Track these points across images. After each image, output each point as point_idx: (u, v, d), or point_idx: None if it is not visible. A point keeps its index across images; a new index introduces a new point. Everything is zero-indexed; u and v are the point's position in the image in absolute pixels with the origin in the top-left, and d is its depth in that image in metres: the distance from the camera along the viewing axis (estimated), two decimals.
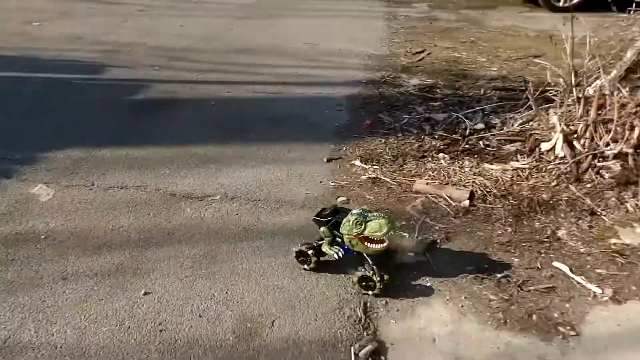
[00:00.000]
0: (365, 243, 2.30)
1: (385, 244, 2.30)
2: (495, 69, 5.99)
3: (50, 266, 2.48)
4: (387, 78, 5.53)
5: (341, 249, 2.41)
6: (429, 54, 6.63)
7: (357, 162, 3.57)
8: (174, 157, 3.60)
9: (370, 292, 2.32)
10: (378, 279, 2.27)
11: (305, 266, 2.47)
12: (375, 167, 3.49)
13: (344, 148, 3.81)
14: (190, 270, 2.48)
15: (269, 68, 5.73)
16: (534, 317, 2.22)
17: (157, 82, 5.16)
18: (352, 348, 2.06)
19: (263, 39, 6.85)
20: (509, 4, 9.72)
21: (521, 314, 2.24)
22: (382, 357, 2.03)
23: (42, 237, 2.70)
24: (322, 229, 2.45)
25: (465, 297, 2.33)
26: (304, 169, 3.50)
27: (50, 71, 5.39)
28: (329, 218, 2.46)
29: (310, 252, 2.43)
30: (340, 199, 3.13)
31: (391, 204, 3.07)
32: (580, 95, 3.25)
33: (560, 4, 8.49)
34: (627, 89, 3.19)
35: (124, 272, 2.44)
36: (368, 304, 2.31)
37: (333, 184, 3.31)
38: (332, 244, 2.44)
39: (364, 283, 2.32)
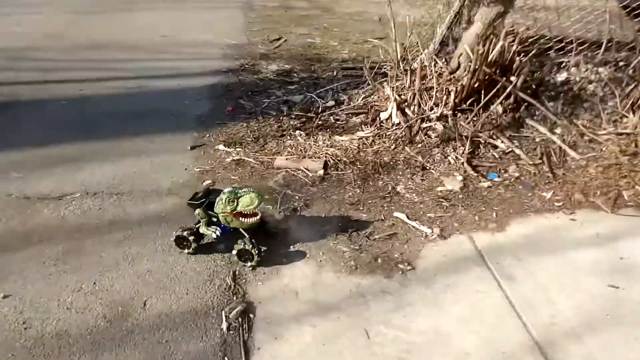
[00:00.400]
0: (240, 218, 2.47)
1: (258, 217, 2.50)
2: (346, 51, 6.45)
3: None
4: (247, 66, 5.69)
5: (218, 228, 2.55)
6: (285, 40, 6.91)
7: (221, 147, 3.71)
8: (24, 160, 3.42)
9: (249, 264, 2.49)
10: (256, 251, 2.45)
11: (186, 250, 2.56)
12: (238, 149, 3.67)
13: (207, 135, 3.92)
14: (53, 268, 2.45)
15: (124, 63, 5.57)
16: (379, 260, 2.59)
17: None
18: (222, 312, 2.23)
19: (114, 34, 6.59)
20: None
21: (369, 259, 2.60)
22: (251, 315, 2.24)
23: None
24: (197, 211, 2.57)
25: (322, 253, 2.63)
26: (168, 158, 3.55)
27: None
28: (203, 200, 2.59)
29: (190, 237, 2.51)
30: (206, 182, 3.26)
31: (255, 182, 3.28)
32: (407, 68, 3.74)
33: None
34: (443, 60, 3.74)
35: None
36: (237, 272, 2.50)
37: (198, 169, 3.42)
38: (209, 224, 2.57)
39: (242, 257, 2.48)
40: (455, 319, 2.22)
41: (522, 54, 3.85)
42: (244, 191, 2.48)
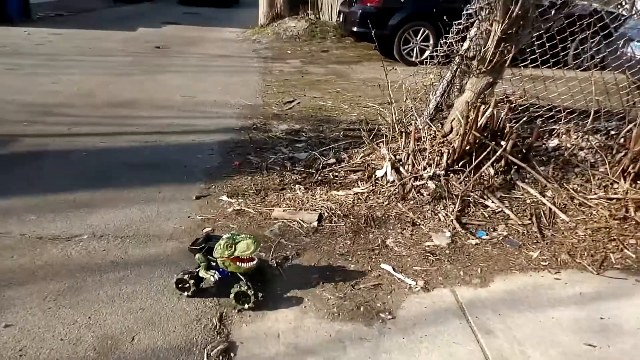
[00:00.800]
0: (237, 263, 2.59)
1: (255, 262, 2.62)
2: (355, 114, 6.80)
3: None
4: (258, 124, 6.05)
5: (217, 272, 2.68)
6: (298, 103, 7.33)
7: (224, 198, 3.93)
8: (41, 204, 3.69)
9: (246, 306, 2.60)
10: (252, 292, 2.56)
11: (185, 293, 2.69)
12: (240, 200, 3.88)
13: (213, 186, 4.16)
14: (53, 302, 2.62)
15: (145, 119, 5.99)
16: (361, 308, 2.69)
17: (25, 136, 5.16)
18: (205, 350, 2.35)
19: (140, 94, 7.10)
20: (372, 60, 11.03)
21: (351, 307, 2.70)
22: (232, 354, 2.35)
23: None
24: (197, 255, 2.70)
25: (308, 299, 2.75)
26: (174, 206, 3.78)
27: None
28: (203, 245, 2.72)
29: (190, 280, 2.66)
30: (207, 229, 3.45)
31: (252, 230, 3.46)
32: (402, 131, 3.98)
33: (413, 59, 9.93)
34: (438, 124, 3.98)
35: None
36: (224, 313, 2.62)
37: (200, 217, 3.63)
38: (208, 268, 2.71)
39: (239, 299, 2.60)
40: None
41: (513, 121, 4.06)
42: (242, 237, 2.61)
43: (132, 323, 2.51)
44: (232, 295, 2.60)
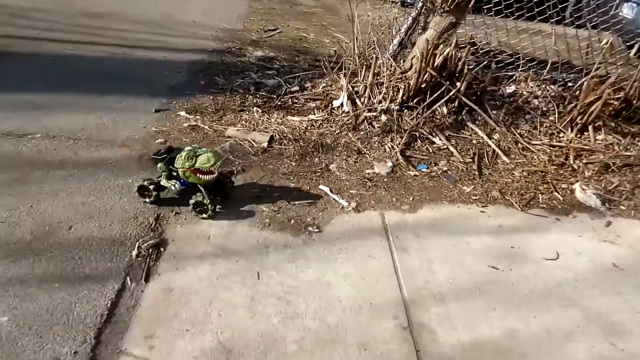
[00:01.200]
0: (198, 174, 2.67)
1: (214, 175, 2.70)
2: (335, 49, 6.73)
3: None
4: (233, 49, 6.00)
5: (178, 182, 2.79)
6: (280, 32, 7.22)
7: (182, 113, 4.01)
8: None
9: (204, 215, 2.73)
10: (208, 202, 2.68)
11: (147, 199, 2.80)
12: (197, 117, 3.97)
13: (174, 102, 4.23)
14: None
15: (118, 32, 5.90)
16: (292, 221, 2.87)
17: None
18: (137, 243, 2.53)
19: (119, 7, 6.93)
20: None
21: (283, 219, 2.88)
22: (162, 249, 2.53)
23: None
24: (159, 165, 2.78)
25: (243, 210, 2.92)
26: (131, 116, 3.86)
27: None
28: (165, 155, 2.79)
29: (151, 186, 2.76)
30: (159, 140, 3.56)
31: (204, 145, 3.56)
32: (364, 64, 4.03)
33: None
34: (401, 61, 4.03)
35: None
36: (161, 215, 2.79)
37: (155, 129, 3.72)
38: (169, 178, 2.80)
39: (198, 208, 2.72)
40: (340, 274, 2.49)
41: (474, 64, 4.12)
42: (203, 150, 2.68)
43: (71, 214, 2.66)
44: (191, 202, 2.72)
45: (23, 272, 2.23)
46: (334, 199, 3.11)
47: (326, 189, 3.19)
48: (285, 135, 3.73)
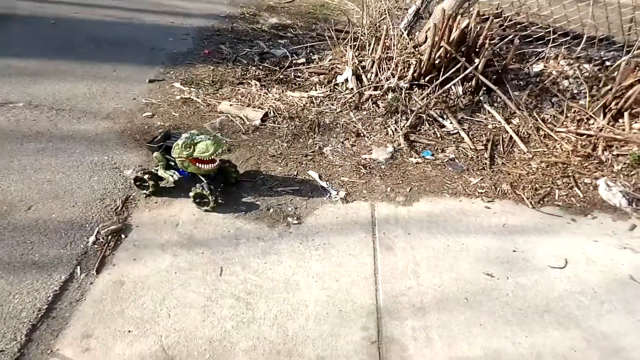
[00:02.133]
0: (197, 164, 2.44)
1: (216, 164, 2.46)
2: (359, 16, 6.31)
3: None
4: (247, 15, 5.69)
5: (176, 172, 2.56)
6: None
7: (177, 84, 3.79)
8: None
9: (205, 207, 2.52)
10: (208, 193, 2.45)
11: (145, 191, 2.59)
12: (192, 89, 3.74)
13: (171, 72, 4.01)
14: None
15: None
16: (271, 210, 2.64)
17: None
18: (97, 228, 2.36)
19: None
20: None
21: (262, 208, 2.65)
22: (123, 235, 2.36)
23: None
24: (155, 154, 2.54)
25: (219, 194, 2.69)
26: (123, 87, 3.67)
27: None
28: (161, 144, 2.55)
29: (146, 177, 2.54)
30: (146, 114, 3.36)
31: (193, 121, 3.36)
32: (374, 35, 3.67)
33: None
34: (417, 32, 3.64)
35: None
36: (130, 197, 2.60)
37: (145, 101, 3.52)
38: (167, 168, 2.57)
39: (198, 200, 2.50)
40: (312, 274, 2.26)
41: (499, 39, 3.69)
42: (201, 137, 2.43)
43: (34, 193, 2.51)
44: (191, 194, 2.50)
45: None
46: (321, 187, 2.85)
47: (315, 175, 2.93)
48: (280, 112, 3.46)
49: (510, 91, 3.66)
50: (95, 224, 2.39)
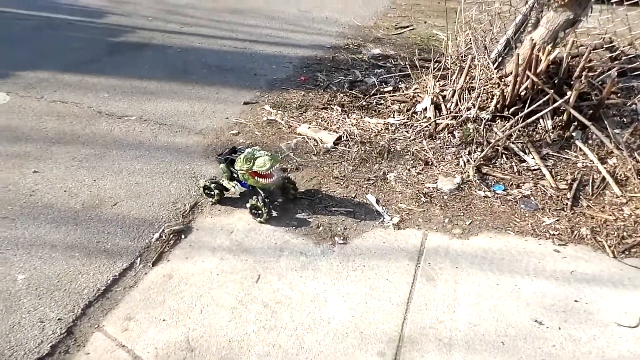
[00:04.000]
0: (255, 177, 2.65)
1: (273, 179, 2.65)
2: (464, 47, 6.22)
3: None
4: (352, 45, 5.94)
5: (238, 184, 2.83)
6: (412, 29, 6.93)
7: (267, 107, 4.11)
8: (118, 86, 4.29)
9: (259, 219, 2.72)
10: (262, 205, 2.64)
11: (211, 199, 2.87)
12: (279, 111, 4.02)
13: (266, 96, 4.35)
14: (78, 163, 3.16)
15: (249, 28, 6.30)
16: (321, 228, 2.73)
17: (142, 29, 5.87)
18: (163, 226, 2.66)
19: (263, 3, 7.40)
20: None
21: (313, 225, 2.75)
22: (183, 236, 2.62)
23: None
24: (221, 165, 2.82)
25: (275, 209, 2.86)
26: (220, 107, 4.08)
27: (59, 12, 6.23)
28: (227, 157, 2.83)
29: (213, 186, 2.82)
30: (232, 132, 3.70)
31: (272, 140, 3.61)
32: (458, 64, 3.62)
33: None
34: (507, 62, 3.52)
35: (27, 157, 3.17)
36: (199, 203, 2.89)
37: (235, 120, 3.88)
38: (230, 179, 2.85)
39: (254, 211, 2.72)
40: (343, 293, 2.29)
41: (602, 70, 3.40)
42: (261, 153, 2.65)
43: (122, 192, 2.92)
44: (247, 205, 2.71)
45: (57, 238, 2.51)
46: (376, 211, 2.87)
47: (372, 199, 2.96)
48: (353, 137, 3.55)
49: (609, 128, 3.32)
50: (163, 223, 2.69)
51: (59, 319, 2.07)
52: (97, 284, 2.26)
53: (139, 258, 2.44)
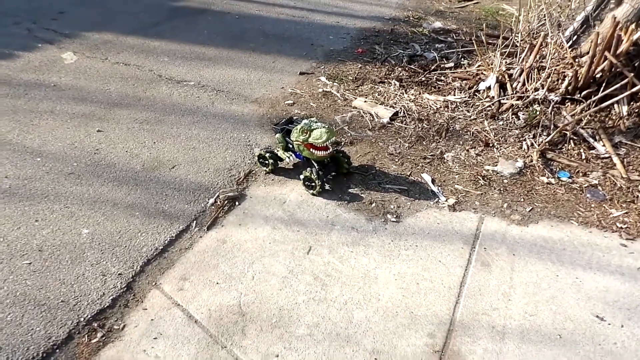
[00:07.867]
0: (311, 149, 2.62)
1: (328, 152, 2.61)
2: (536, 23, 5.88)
3: (44, 103, 3.38)
4: (412, 18, 5.75)
5: (293, 154, 2.81)
6: (477, 3, 6.62)
7: (323, 78, 4.05)
8: (178, 51, 4.34)
9: (312, 191, 2.70)
10: (315, 177, 2.62)
11: (265, 168, 2.86)
12: (335, 83, 3.96)
13: (322, 66, 4.29)
14: (138, 125, 3.24)
15: None
16: (373, 204, 2.69)
17: None
18: (218, 192, 2.70)
19: None
20: None
21: (365, 201, 2.72)
22: (237, 202, 2.66)
23: (52, 84, 3.62)
24: (277, 135, 2.82)
25: (327, 183, 2.83)
26: (276, 76, 4.06)
27: None
28: (284, 127, 2.80)
29: (268, 155, 2.81)
30: (288, 102, 3.68)
31: (326, 112, 3.57)
32: (528, 42, 3.41)
33: None
34: (582, 42, 3.29)
35: (92, 116, 3.28)
36: (253, 171, 2.91)
37: (291, 90, 3.85)
38: (286, 150, 2.83)
39: (307, 183, 2.70)
40: (394, 272, 2.26)
41: None
42: (318, 125, 2.61)
43: (180, 156, 2.98)
44: (301, 177, 2.70)
45: (118, 196, 2.60)
46: (431, 191, 2.80)
47: (428, 178, 2.88)
48: (410, 113, 3.45)
49: None
50: (218, 189, 2.73)
51: (119, 274, 2.15)
52: (155, 243, 2.33)
53: (195, 221, 2.49)
